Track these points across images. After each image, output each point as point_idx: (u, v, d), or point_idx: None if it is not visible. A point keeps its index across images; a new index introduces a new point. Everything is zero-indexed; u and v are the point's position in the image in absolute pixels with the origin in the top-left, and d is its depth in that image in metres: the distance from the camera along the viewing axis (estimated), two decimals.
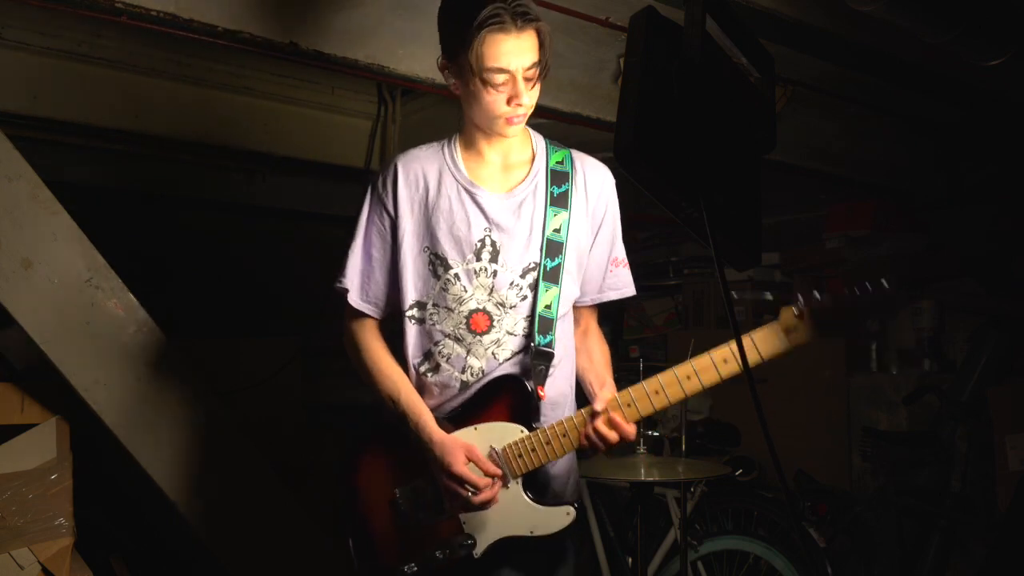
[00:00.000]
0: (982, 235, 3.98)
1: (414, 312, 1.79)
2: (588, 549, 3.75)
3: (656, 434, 3.57)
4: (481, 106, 1.71)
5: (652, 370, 3.37)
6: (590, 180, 1.84)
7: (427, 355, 1.79)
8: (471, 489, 1.68)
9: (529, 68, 1.67)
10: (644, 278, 5.28)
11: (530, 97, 1.71)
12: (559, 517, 1.74)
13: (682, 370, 1.72)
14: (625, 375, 4.43)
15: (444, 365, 1.77)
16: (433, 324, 1.77)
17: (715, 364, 1.69)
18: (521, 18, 1.62)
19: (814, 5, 2.46)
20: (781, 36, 2.58)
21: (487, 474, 1.71)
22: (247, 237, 4.69)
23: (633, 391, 1.74)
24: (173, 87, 3.32)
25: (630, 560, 3.49)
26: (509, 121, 1.72)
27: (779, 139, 1.71)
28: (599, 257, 1.86)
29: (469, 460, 1.70)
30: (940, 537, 3.42)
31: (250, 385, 3.42)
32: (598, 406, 1.72)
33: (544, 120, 3.18)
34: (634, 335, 5.36)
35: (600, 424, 1.72)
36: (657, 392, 1.72)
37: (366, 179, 3.56)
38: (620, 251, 1.90)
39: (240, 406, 2.99)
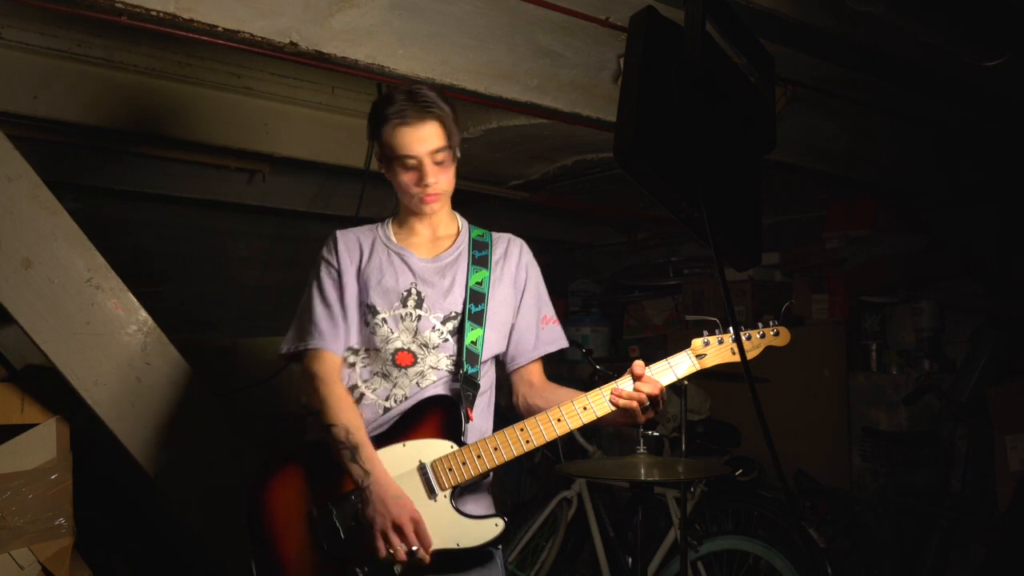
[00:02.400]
0: (982, 235, 3.98)
1: (347, 355, 2.00)
2: (588, 549, 3.75)
3: (656, 434, 3.57)
4: (399, 187, 1.99)
5: None
6: (509, 251, 2.09)
7: (353, 388, 1.97)
8: (401, 546, 1.73)
9: (436, 152, 1.92)
10: (644, 278, 5.31)
11: (441, 178, 1.96)
12: (488, 529, 1.81)
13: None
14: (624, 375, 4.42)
15: (369, 395, 1.95)
16: (365, 366, 1.98)
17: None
18: (423, 111, 1.90)
19: (814, 5, 2.46)
20: (781, 36, 2.58)
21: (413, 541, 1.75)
22: (247, 237, 4.69)
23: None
24: (173, 87, 3.32)
25: (630, 560, 3.49)
26: (423, 199, 1.97)
27: (779, 139, 1.72)
28: (528, 318, 2.07)
29: (413, 520, 1.76)
30: (940, 537, 3.42)
31: (250, 385, 3.42)
32: (636, 370, 1.86)
33: (544, 120, 3.19)
34: (634, 335, 5.37)
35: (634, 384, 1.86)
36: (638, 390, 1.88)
37: (366, 179, 3.57)
38: (548, 310, 2.11)
39: (240, 406, 2.99)
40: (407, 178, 1.95)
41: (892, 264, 4.14)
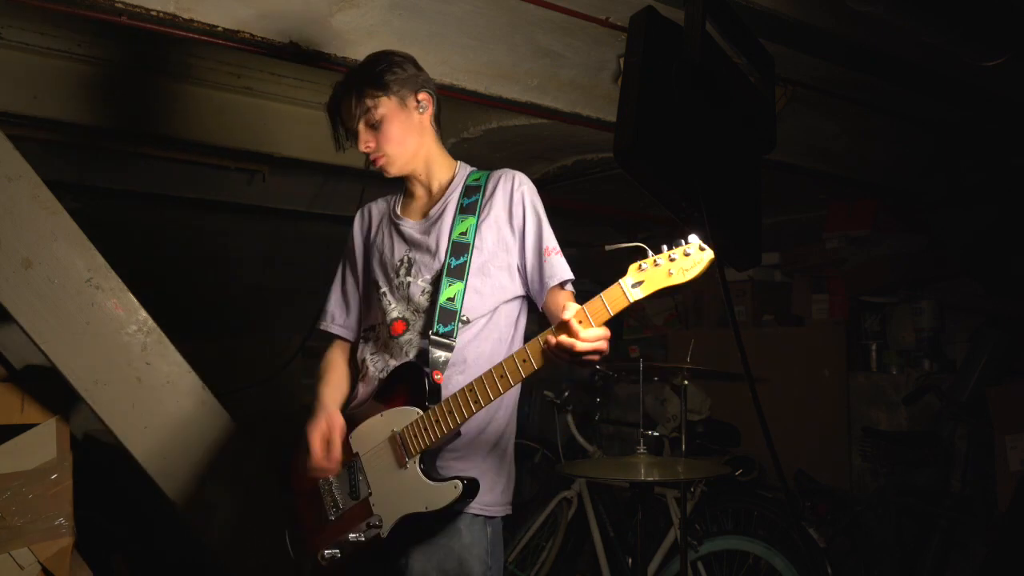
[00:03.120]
0: (982, 235, 3.98)
1: (366, 334, 2.08)
2: (588, 549, 3.75)
3: (656, 434, 3.57)
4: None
5: (652, 369, 3.39)
6: (501, 186, 2.01)
7: (362, 364, 2.06)
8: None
9: (360, 118, 1.96)
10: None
11: (379, 141, 1.97)
12: (448, 491, 1.83)
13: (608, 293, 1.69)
14: (625, 375, 4.44)
15: (371, 368, 2.01)
16: (373, 341, 2.04)
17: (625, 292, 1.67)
18: (340, 89, 2.02)
19: (814, 5, 2.46)
20: (781, 36, 2.58)
21: (322, 454, 1.93)
22: (247, 237, 4.69)
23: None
24: (173, 87, 3.32)
25: (630, 560, 3.49)
26: (374, 163, 2.01)
27: (779, 139, 1.71)
28: (533, 252, 1.97)
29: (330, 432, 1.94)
30: (940, 537, 3.42)
31: (250, 385, 3.42)
32: (564, 317, 1.67)
33: (544, 120, 3.19)
34: (634, 335, 5.37)
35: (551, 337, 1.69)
36: (580, 322, 1.66)
37: (366, 179, 3.57)
38: (548, 241, 1.97)
39: (240, 406, 2.99)
40: (358, 150, 2.00)
41: (892, 264, 4.14)
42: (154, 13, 2.27)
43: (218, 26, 2.37)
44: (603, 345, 1.66)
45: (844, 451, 4.12)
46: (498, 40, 2.70)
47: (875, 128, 3.51)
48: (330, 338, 2.20)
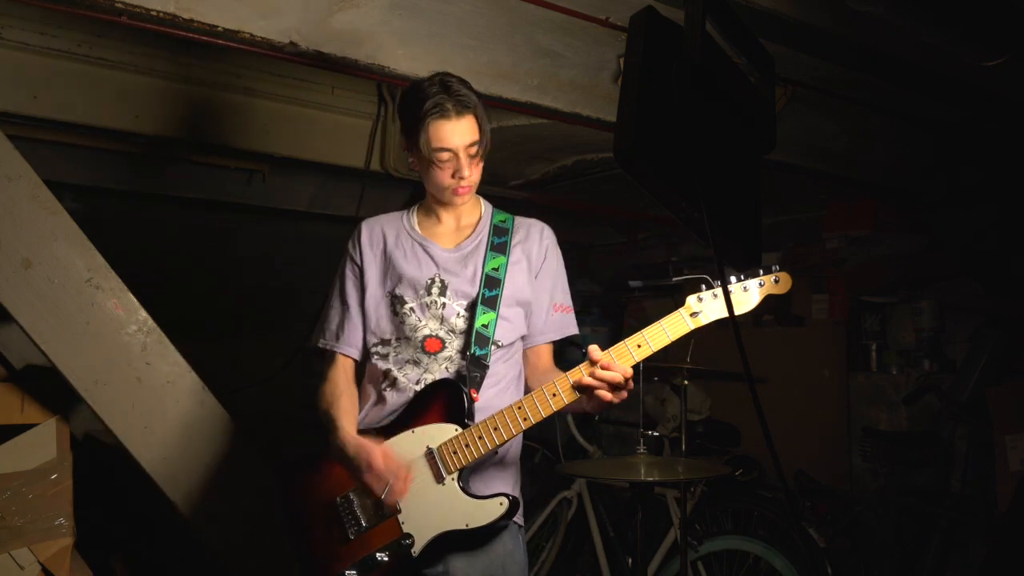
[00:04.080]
0: (982, 235, 3.98)
1: (379, 348, 2.04)
2: (588, 549, 3.75)
3: (656, 434, 3.57)
4: (432, 180, 2.01)
5: (652, 369, 3.39)
6: (530, 235, 2.11)
7: (386, 374, 2.02)
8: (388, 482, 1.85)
9: (470, 146, 1.96)
10: (644, 278, 5.30)
11: (473, 171, 1.99)
12: (493, 508, 1.84)
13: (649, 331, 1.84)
14: None
15: (401, 379, 1.99)
16: (398, 354, 2.02)
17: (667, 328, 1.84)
18: (460, 105, 1.94)
19: (814, 5, 2.46)
20: (781, 36, 2.58)
21: (391, 470, 1.86)
22: (247, 237, 4.68)
23: (616, 348, 1.83)
24: (173, 87, 3.31)
25: (630, 560, 3.49)
26: (456, 192, 2.01)
27: (779, 139, 1.72)
28: (540, 301, 2.08)
29: (384, 456, 1.87)
30: (940, 537, 3.42)
31: (250, 385, 3.41)
32: (594, 356, 1.80)
33: (544, 120, 3.19)
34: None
35: (594, 369, 1.79)
36: (640, 346, 1.82)
37: (366, 179, 3.56)
38: (562, 297, 2.11)
39: (240, 406, 2.99)
40: (441, 171, 1.97)
41: (892, 264, 4.14)
42: (154, 13, 2.27)
43: (218, 26, 2.36)
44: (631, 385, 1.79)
45: (844, 451, 4.12)
46: (498, 40, 2.70)
47: (875, 128, 3.51)
48: (321, 353, 2.13)
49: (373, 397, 2.05)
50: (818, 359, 4.30)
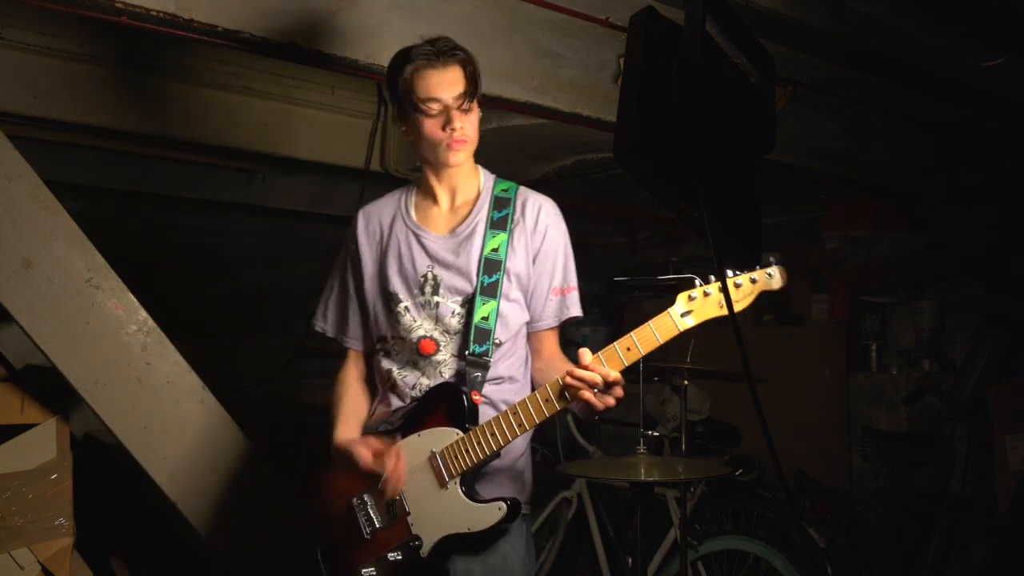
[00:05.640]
0: (982, 235, 3.98)
1: (381, 344, 2.04)
2: (588, 549, 3.75)
3: (656, 434, 3.57)
4: (424, 136, 1.92)
5: (652, 369, 3.38)
6: (528, 211, 1.99)
7: (388, 376, 2.01)
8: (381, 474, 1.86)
9: (459, 96, 1.89)
10: (636, 277, 5.30)
11: (467, 124, 1.92)
12: (492, 512, 1.84)
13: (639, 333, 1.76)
14: (624, 373, 4.43)
15: (400, 383, 1.99)
16: (398, 353, 2.00)
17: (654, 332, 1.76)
18: (444, 54, 1.88)
19: (814, 5, 2.46)
20: (781, 36, 2.58)
21: (377, 456, 1.88)
22: (247, 237, 4.68)
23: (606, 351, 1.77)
24: (173, 87, 3.31)
25: (630, 560, 3.49)
26: (450, 146, 1.91)
27: (779, 139, 1.71)
28: (541, 285, 1.99)
29: (374, 450, 1.89)
30: (940, 537, 3.42)
31: (250, 385, 3.42)
32: (582, 359, 1.74)
33: (544, 120, 3.19)
34: None
35: (574, 369, 1.73)
36: (629, 349, 1.75)
37: (366, 179, 3.56)
38: (561, 280, 2.01)
39: (240, 406, 2.99)
40: (431, 124, 1.89)
41: (892, 264, 4.14)
42: (154, 13, 2.27)
43: (218, 26, 2.36)
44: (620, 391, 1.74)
45: (844, 451, 4.12)
46: (498, 40, 2.70)
47: (875, 128, 3.51)
48: (321, 338, 2.15)
49: (379, 394, 2.07)
50: (818, 359, 4.30)
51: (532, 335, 2.03)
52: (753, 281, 1.78)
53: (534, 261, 1.98)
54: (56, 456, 2.66)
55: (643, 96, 1.43)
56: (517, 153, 3.83)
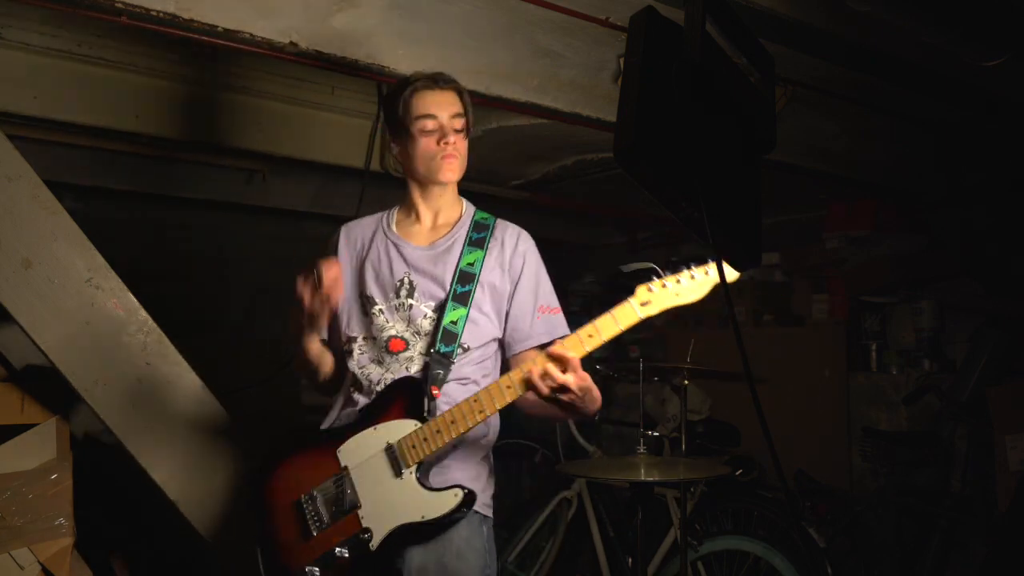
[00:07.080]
0: (982, 235, 3.98)
1: (349, 346, 2.08)
2: (588, 549, 3.75)
3: (656, 434, 3.57)
4: (418, 151, 2.02)
5: (652, 369, 3.38)
6: (507, 238, 2.08)
7: (354, 376, 2.05)
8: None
9: (454, 117, 2.01)
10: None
11: (460, 142, 2.02)
12: (448, 499, 1.85)
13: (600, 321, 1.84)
14: (624, 374, 4.44)
15: (364, 381, 2.02)
16: (362, 353, 2.05)
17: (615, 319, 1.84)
18: (443, 81, 2.03)
19: (814, 5, 2.46)
20: (781, 36, 2.58)
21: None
22: (247, 237, 4.69)
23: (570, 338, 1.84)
24: (173, 87, 3.31)
25: (630, 560, 3.49)
26: (443, 159, 2.00)
27: (779, 139, 1.71)
28: (524, 306, 2.05)
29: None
30: (940, 537, 3.42)
31: (250, 385, 3.42)
32: (550, 349, 1.80)
33: (544, 120, 3.19)
34: (634, 335, 5.36)
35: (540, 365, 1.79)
36: (591, 335, 1.83)
37: (366, 179, 3.56)
38: (548, 299, 2.08)
39: (240, 406, 2.99)
40: (426, 140, 1.99)
41: (892, 264, 4.14)
42: (154, 13, 2.27)
43: (218, 26, 2.36)
44: (587, 384, 1.77)
45: (844, 451, 4.12)
46: (498, 40, 2.70)
47: (875, 128, 3.51)
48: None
49: (342, 400, 2.08)
50: (818, 359, 4.30)
51: (517, 356, 2.05)
52: (707, 273, 1.89)
53: (517, 285, 2.05)
54: (56, 456, 2.66)
55: (643, 96, 1.43)
56: (517, 153, 3.83)
